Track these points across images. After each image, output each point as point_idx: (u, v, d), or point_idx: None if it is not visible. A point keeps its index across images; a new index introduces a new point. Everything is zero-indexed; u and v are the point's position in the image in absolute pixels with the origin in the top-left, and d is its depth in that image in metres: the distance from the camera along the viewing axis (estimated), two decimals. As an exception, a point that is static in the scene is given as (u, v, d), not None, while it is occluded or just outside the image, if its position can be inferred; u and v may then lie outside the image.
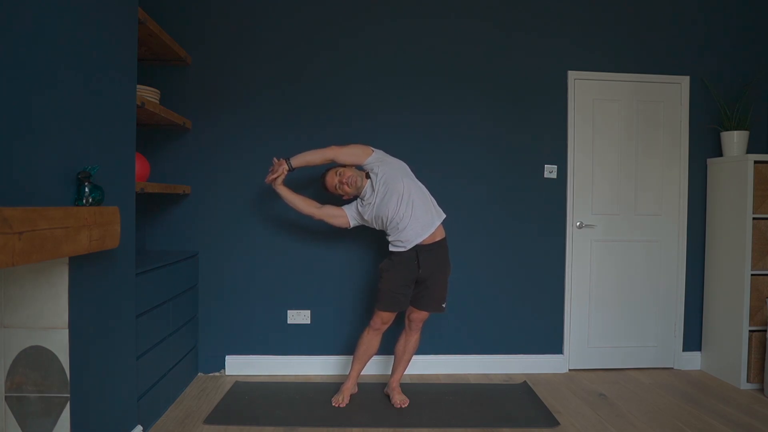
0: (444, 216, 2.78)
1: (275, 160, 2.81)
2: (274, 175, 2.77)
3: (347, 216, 2.83)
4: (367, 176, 2.77)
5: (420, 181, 2.97)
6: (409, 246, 2.68)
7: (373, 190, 2.72)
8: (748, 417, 2.72)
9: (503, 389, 3.09)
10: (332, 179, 2.77)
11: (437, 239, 2.74)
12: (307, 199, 2.86)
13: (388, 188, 2.68)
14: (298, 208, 2.84)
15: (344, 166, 2.78)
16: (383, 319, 2.76)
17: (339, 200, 2.92)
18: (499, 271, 3.41)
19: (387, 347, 3.06)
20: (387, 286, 2.71)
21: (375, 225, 2.80)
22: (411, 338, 2.86)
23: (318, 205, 2.84)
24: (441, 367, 3.37)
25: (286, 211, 3.30)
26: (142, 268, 2.37)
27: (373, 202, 2.72)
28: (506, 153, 3.39)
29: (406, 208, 2.65)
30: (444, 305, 2.81)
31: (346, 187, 2.74)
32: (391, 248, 2.74)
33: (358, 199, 2.81)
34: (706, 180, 3.50)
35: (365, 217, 2.78)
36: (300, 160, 2.76)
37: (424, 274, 2.71)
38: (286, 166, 2.76)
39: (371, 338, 2.82)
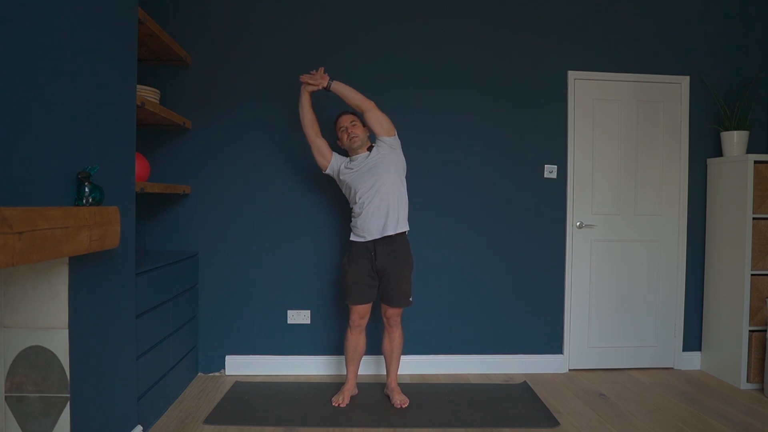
0: (407, 229, 2.80)
1: (321, 70, 2.82)
2: (311, 81, 2.78)
3: (329, 162, 2.85)
4: (370, 148, 2.80)
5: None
6: (368, 237, 2.72)
7: (365, 160, 2.76)
8: (748, 417, 2.72)
9: (503, 389, 3.09)
10: (344, 122, 2.82)
11: (391, 234, 2.74)
12: (315, 120, 2.86)
13: (374, 170, 2.72)
14: (303, 120, 2.84)
15: (363, 124, 2.83)
16: (359, 312, 2.81)
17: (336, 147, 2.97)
18: (499, 271, 3.41)
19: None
20: (351, 279, 2.78)
21: (344, 190, 2.85)
22: (393, 335, 2.87)
23: (318, 132, 2.86)
24: (441, 367, 3.37)
25: (286, 211, 3.31)
26: (142, 268, 2.37)
27: (356, 170, 2.76)
28: (506, 153, 3.39)
29: (374, 197, 2.69)
30: (410, 299, 2.84)
31: (345, 137, 2.79)
32: (352, 237, 2.79)
33: (347, 159, 2.84)
34: (706, 180, 3.50)
35: (341, 177, 2.81)
36: (339, 87, 2.78)
37: (381, 266, 2.74)
38: (324, 83, 2.78)
39: (356, 337, 2.86)
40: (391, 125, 2.80)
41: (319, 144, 2.86)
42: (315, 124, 2.85)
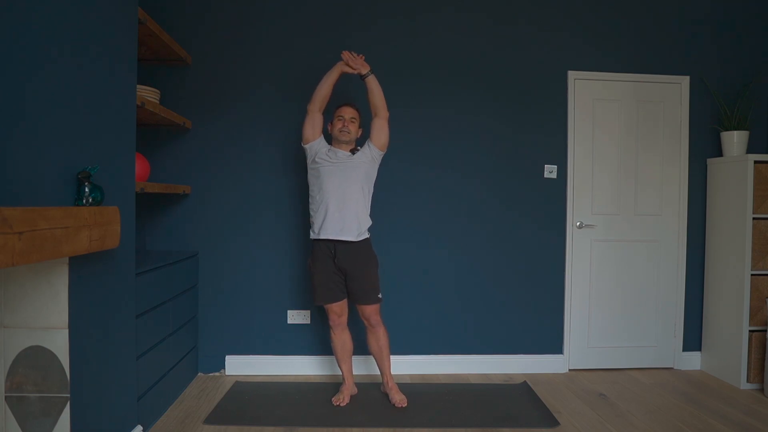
0: (366, 237, 2.80)
1: (362, 57, 2.83)
2: (352, 63, 2.79)
3: (316, 140, 2.84)
4: (353, 150, 2.83)
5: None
6: (322, 236, 2.74)
7: (345, 159, 2.77)
8: (748, 417, 2.72)
9: (503, 389, 3.09)
10: (346, 112, 2.83)
11: (352, 240, 2.76)
12: (328, 97, 2.85)
13: (351, 171, 2.75)
14: (319, 91, 2.82)
15: (359, 125, 2.86)
16: (335, 311, 2.84)
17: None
18: (499, 271, 3.41)
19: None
20: (317, 280, 2.81)
21: (309, 175, 2.86)
22: (377, 333, 2.87)
23: (322, 109, 2.85)
24: (441, 367, 3.37)
25: (286, 211, 3.31)
26: (142, 268, 2.37)
27: (334, 162, 2.77)
28: (506, 153, 3.39)
29: (339, 197, 2.72)
30: (379, 296, 2.84)
31: (337, 127, 2.81)
32: (311, 234, 2.81)
33: (328, 148, 2.84)
34: (706, 180, 3.50)
35: (317, 160, 2.81)
36: (373, 82, 2.80)
37: (342, 266, 2.76)
38: (362, 71, 2.79)
39: (339, 336, 2.88)
40: (387, 142, 2.86)
41: (317, 118, 2.85)
42: (325, 101, 2.86)
